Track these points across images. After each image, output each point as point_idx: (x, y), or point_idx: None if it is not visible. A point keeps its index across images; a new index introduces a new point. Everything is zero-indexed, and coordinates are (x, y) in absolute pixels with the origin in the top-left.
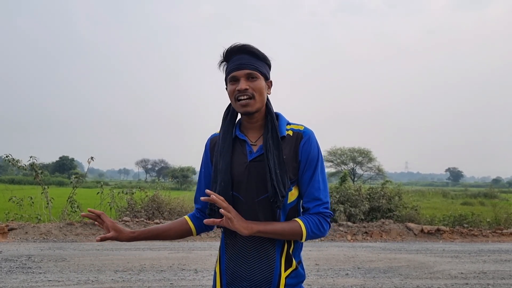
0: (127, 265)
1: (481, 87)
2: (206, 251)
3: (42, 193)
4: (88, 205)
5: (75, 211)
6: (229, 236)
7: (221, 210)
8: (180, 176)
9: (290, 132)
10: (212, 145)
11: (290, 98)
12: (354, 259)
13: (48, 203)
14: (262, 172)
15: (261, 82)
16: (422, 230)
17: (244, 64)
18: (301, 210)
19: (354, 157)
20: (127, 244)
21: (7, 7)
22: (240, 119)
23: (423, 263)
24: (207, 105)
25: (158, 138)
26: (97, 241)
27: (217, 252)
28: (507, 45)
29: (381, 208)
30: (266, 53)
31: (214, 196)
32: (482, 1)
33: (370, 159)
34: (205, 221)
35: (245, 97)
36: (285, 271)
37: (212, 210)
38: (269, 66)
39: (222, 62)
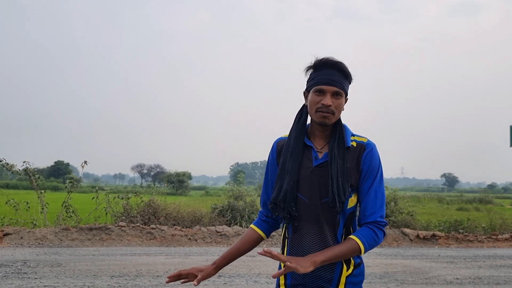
0: (123, 270)
1: (476, 93)
2: (202, 256)
3: (38, 197)
4: (84, 210)
5: (71, 216)
6: (294, 233)
7: (280, 271)
8: (176, 181)
9: (354, 143)
10: (279, 148)
11: (285, 101)
12: None
13: (43, 208)
14: (325, 177)
15: (343, 100)
16: (417, 236)
17: (335, 81)
18: (358, 218)
19: None
20: (123, 249)
21: (4, 8)
22: (309, 124)
23: (418, 268)
24: (204, 110)
25: (154, 143)
26: (195, 285)
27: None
28: (500, 51)
29: None
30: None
31: (270, 254)
32: (475, 9)
33: None
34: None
35: (327, 112)
36: (347, 270)
37: (275, 204)
38: (350, 83)
39: (309, 68)
